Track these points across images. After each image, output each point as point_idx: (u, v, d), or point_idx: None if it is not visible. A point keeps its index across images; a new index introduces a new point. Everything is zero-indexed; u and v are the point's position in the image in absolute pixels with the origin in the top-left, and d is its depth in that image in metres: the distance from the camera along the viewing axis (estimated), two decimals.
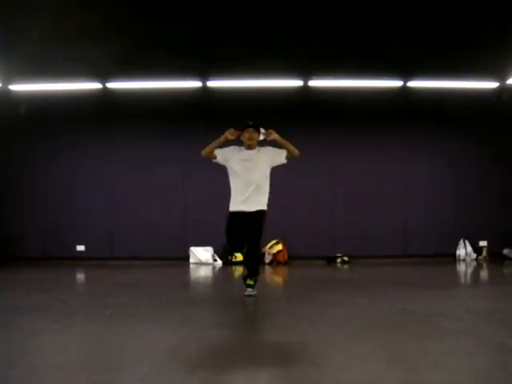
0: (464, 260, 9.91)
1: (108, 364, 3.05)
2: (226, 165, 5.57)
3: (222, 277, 8.34)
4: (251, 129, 5.49)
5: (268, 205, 5.52)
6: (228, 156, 5.53)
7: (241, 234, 5.43)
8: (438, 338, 3.51)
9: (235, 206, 5.48)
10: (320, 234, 10.08)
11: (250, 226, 5.36)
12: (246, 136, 5.51)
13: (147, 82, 9.75)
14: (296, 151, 5.55)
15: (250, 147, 5.53)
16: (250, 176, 5.42)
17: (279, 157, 5.54)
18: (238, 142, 5.68)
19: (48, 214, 10.18)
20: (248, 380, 2.75)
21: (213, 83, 9.87)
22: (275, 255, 9.63)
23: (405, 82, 9.91)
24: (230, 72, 9.44)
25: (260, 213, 5.42)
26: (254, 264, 5.50)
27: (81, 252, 10.15)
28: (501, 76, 9.68)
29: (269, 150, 5.60)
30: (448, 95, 9.97)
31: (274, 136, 5.52)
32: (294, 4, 7.05)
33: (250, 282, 5.47)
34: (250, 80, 9.67)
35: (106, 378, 2.77)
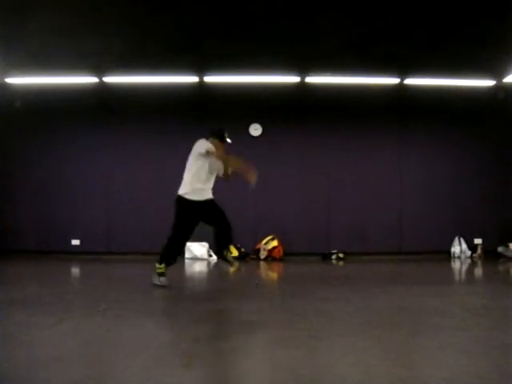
0: (459, 257, 9.94)
1: (103, 358, 3.05)
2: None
3: (216, 272, 8.34)
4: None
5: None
6: None
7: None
8: (432, 335, 3.52)
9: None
10: (315, 230, 10.09)
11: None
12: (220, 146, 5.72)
13: (145, 76, 9.72)
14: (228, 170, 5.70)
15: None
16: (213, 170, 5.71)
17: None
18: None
19: (43, 207, 10.15)
20: (242, 375, 2.75)
21: (210, 78, 9.85)
22: (270, 251, 9.64)
23: (402, 80, 9.92)
24: (227, 68, 9.43)
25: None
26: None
27: (76, 246, 10.12)
28: (498, 74, 9.70)
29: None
30: (445, 93, 9.99)
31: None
32: (292, 0, 7.04)
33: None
34: (247, 76, 9.65)
35: (101, 371, 2.77)
